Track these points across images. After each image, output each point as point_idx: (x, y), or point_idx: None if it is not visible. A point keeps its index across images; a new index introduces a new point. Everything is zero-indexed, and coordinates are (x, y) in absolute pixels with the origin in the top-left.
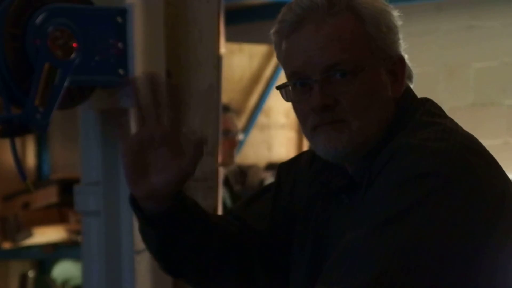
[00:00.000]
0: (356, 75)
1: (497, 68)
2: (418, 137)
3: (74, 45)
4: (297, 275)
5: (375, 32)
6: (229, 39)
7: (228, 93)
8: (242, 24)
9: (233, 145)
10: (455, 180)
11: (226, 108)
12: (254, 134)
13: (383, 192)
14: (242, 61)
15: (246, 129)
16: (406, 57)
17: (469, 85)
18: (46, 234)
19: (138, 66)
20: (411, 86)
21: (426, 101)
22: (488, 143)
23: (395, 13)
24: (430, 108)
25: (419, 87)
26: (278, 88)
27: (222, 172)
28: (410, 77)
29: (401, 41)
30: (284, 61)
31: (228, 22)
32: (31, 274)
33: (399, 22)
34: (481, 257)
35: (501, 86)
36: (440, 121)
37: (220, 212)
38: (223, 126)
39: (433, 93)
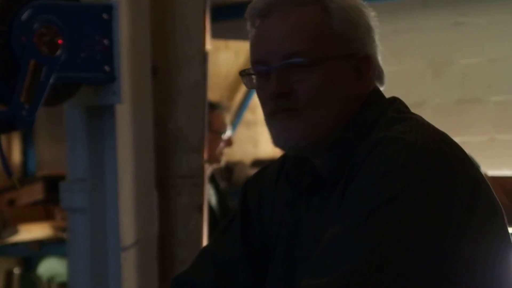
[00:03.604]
0: (314, 67)
1: (483, 65)
2: (394, 131)
3: (60, 41)
4: (271, 280)
5: (340, 28)
6: (215, 36)
7: (214, 90)
8: (228, 21)
9: (228, 144)
10: (433, 170)
11: (217, 106)
12: (240, 131)
13: (365, 185)
14: (228, 57)
15: (232, 125)
16: (379, 57)
17: (456, 81)
18: (32, 231)
19: (124, 62)
20: (383, 86)
21: (395, 100)
22: (475, 139)
23: (371, 13)
24: (399, 107)
25: (405, 84)
26: (240, 74)
27: (208, 169)
28: (380, 78)
29: (375, 41)
30: (251, 48)
31: (214, 19)
32: (16, 271)
33: (374, 22)
34: (461, 244)
35: (487, 83)
36: (411, 116)
37: (205, 209)
38: (216, 125)
39: (420, 89)
